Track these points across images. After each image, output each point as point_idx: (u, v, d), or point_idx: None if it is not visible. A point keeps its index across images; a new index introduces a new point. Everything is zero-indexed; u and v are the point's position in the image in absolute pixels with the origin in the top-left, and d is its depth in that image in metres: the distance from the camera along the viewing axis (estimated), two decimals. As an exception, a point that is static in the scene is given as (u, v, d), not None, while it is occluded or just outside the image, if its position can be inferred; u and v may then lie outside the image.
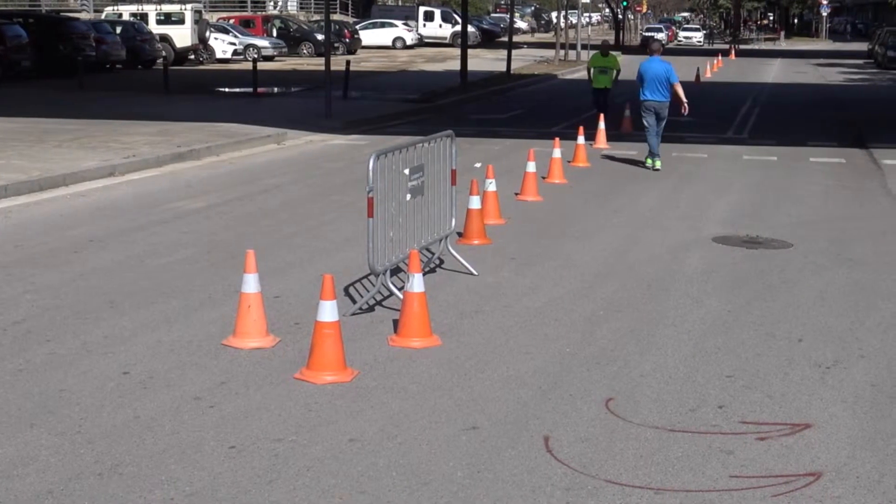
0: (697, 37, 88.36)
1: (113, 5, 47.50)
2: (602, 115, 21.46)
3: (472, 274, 10.02)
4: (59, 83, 31.88)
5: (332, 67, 24.66)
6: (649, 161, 17.78)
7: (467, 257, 10.29)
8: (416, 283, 7.82)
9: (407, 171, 8.93)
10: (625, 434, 6.29)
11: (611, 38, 78.31)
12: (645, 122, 17.74)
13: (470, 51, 34.45)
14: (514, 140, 21.33)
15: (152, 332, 8.15)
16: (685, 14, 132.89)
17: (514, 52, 40.32)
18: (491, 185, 12.66)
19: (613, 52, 24.59)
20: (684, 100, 17.59)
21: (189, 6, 44.79)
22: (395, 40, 62.83)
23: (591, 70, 23.21)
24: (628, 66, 26.66)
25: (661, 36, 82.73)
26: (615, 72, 23.01)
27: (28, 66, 33.68)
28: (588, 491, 5.53)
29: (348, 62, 31.27)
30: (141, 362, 7.45)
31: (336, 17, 62.14)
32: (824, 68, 52.30)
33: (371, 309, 8.79)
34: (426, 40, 65.61)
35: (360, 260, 9.42)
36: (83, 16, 46.29)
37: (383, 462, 5.84)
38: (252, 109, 25.79)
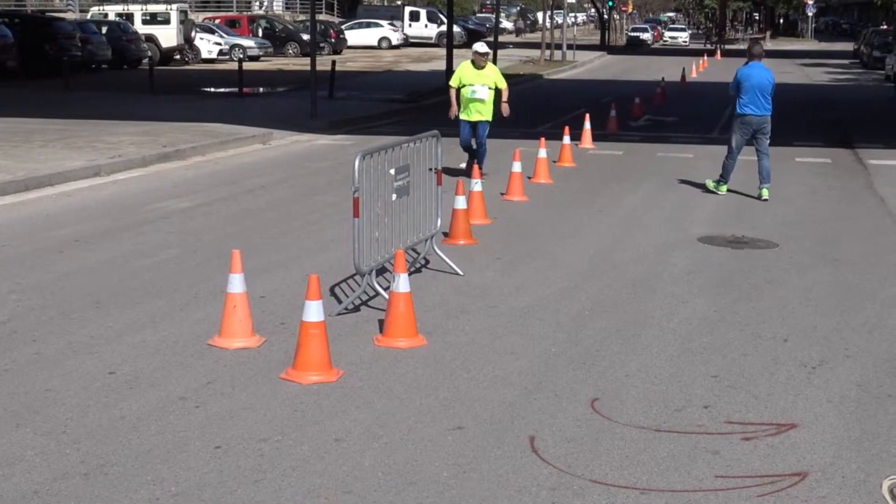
0: (683, 37, 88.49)
1: (98, 5, 47.38)
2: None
3: (457, 274, 10.02)
4: (45, 83, 31.77)
5: (318, 67, 24.65)
6: (712, 184, 15.08)
7: (453, 257, 10.29)
8: (402, 283, 7.82)
9: (393, 171, 8.93)
10: (610, 434, 6.29)
11: (596, 38, 78.28)
12: (732, 143, 14.69)
13: (456, 51, 34.39)
14: (499, 140, 21.29)
15: (138, 333, 8.13)
16: (671, 14, 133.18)
17: (499, 52, 40.27)
18: (476, 186, 12.67)
19: (492, 62, 17.24)
20: None
21: (175, 6, 44.72)
22: (380, 40, 62.83)
23: (456, 93, 15.29)
24: (614, 65, 26.60)
25: (646, 36, 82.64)
26: (494, 93, 15.36)
27: (13, 66, 33.53)
28: (573, 491, 5.54)
29: (334, 62, 31.26)
30: (126, 362, 7.43)
31: (321, 17, 62.11)
32: (810, 68, 52.45)
33: (357, 309, 8.78)
34: (412, 40, 65.63)
35: (346, 260, 9.41)
36: (69, 16, 46.23)
37: (369, 462, 5.83)
38: (237, 109, 25.73)
